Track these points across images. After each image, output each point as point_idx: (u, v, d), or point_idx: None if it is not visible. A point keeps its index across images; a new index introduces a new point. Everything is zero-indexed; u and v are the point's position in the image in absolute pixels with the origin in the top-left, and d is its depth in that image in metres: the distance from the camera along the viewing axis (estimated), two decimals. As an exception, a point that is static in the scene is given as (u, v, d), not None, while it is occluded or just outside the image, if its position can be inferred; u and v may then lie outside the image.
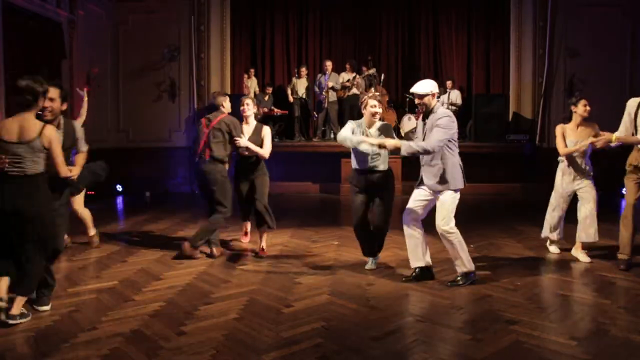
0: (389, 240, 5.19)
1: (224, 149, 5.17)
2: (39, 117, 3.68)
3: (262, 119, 5.51)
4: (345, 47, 12.28)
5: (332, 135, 10.97)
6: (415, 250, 4.49)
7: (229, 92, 9.98)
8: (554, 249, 5.51)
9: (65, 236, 5.92)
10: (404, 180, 9.09)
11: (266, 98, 11.07)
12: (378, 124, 4.65)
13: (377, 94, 4.82)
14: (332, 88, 10.80)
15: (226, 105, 5.31)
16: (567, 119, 5.21)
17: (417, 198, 4.46)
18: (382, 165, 4.63)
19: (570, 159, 5.18)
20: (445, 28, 12.02)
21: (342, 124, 10.50)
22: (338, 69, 11.15)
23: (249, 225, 5.89)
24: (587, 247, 5.29)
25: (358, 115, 5.09)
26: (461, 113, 10.49)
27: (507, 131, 10.43)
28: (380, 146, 4.24)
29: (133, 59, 10.63)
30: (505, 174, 10.03)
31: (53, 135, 3.52)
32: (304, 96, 11.17)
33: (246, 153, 5.23)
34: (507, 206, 8.91)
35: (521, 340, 3.31)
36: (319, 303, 4.00)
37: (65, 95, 3.84)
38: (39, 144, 3.47)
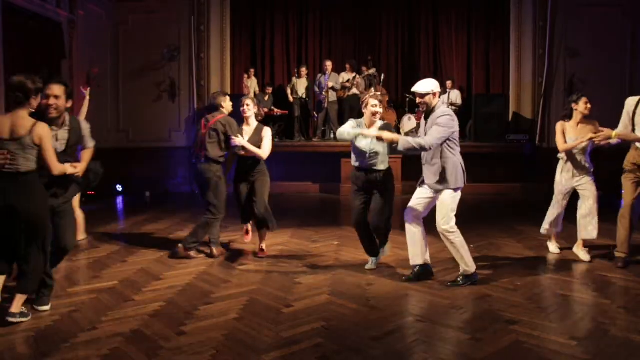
0: (389, 240, 5.18)
1: (219, 149, 5.18)
2: (42, 114, 3.67)
3: (262, 119, 5.45)
4: (345, 47, 12.28)
5: (332, 135, 10.97)
6: (415, 248, 4.51)
7: (229, 92, 9.98)
8: (554, 249, 5.51)
9: (84, 235, 5.97)
10: (404, 180, 9.10)
11: (266, 98, 11.07)
12: (378, 123, 4.65)
13: (379, 93, 4.82)
14: (332, 88, 10.80)
15: (225, 105, 5.30)
16: (568, 116, 5.21)
17: (419, 196, 4.49)
18: (381, 165, 4.63)
19: (570, 155, 5.18)
20: (445, 28, 12.02)
21: (342, 124, 10.45)
22: (338, 69, 11.16)
23: (249, 225, 5.83)
24: (588, 245, 5.30)
25: (358, 115, 5.08)
26: (461, 113, 10.47)
27: (507, 131, 10.43)
28: (378, 138, 4.27)
29: (133, 59, 10.63)
30: (505, 174, 10.04)
31: (44, 133, 3.50)
32: (304, 96, 11.18)
33: (242, 152, 5.18)
34: (507, 206, 8.91)
35: (521, 340, 3.31)
36: (319, 303, 4.00)
37: (71, 92, 3.80)
38: (29, 140, 3.47)
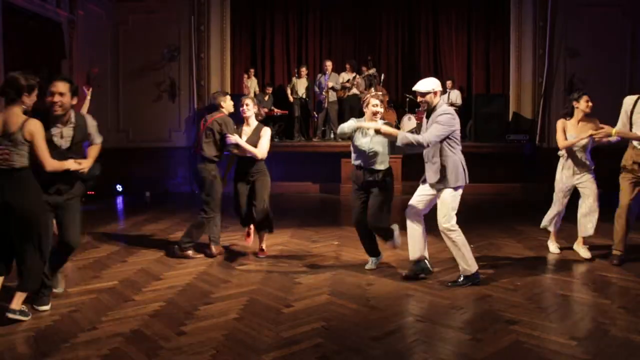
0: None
1: (214, 148, 5.19)
2: (47, 111, 3.66)
3: (262, 119, 5.43)
4: (345, 47, 12.28)
5: (332, 135, 10.97)
6: (415, 244, 4.55)
7: (229, 92, 9.98)
8: (554, 249, 5.51)
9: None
10: (404, 180, 9.10)
11: (266, 98, 11.07)
12: (379, 123, 4.64)
13: (380, 93, 4.81)
14: (332, 88, 10.80)
15: (225, 104, 5.30)
16: (569, 114, 5.21)
17: (420, 193, 4.52)
18: (381, 165, 4.63)
19: (571, 153, 5.18)
20: (445, 28, 12.03)
21: (341, 124, 10.48)
22: (338, 69, 11.16)
23: (251, 228, 5.63)
24: (589, 244, 5.31)
25: (359, 115, 5.09)
26: (461, 113, 10.43)
27: (507, 131, 10.43)
28: (377, 131, 4.30)
29: (133, 59, 10.63)
30: (505, 174, 10.03)
31: (34, 129, 3.49)
32: (304, 96, 11.18)
33: (235, 151, 5.16)
34: (507, 206, 8.91)
35: (521, 340, 3.31)
36: (319, 303, 4.00)
37: (76, 89, 3.79)
38: (20, 137, 3.46)
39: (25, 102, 3.57)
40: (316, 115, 11.19)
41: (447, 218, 4.28)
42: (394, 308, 3.91)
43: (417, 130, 4.44)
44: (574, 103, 5.16)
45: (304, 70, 11.17)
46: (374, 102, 4.58)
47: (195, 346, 3.24)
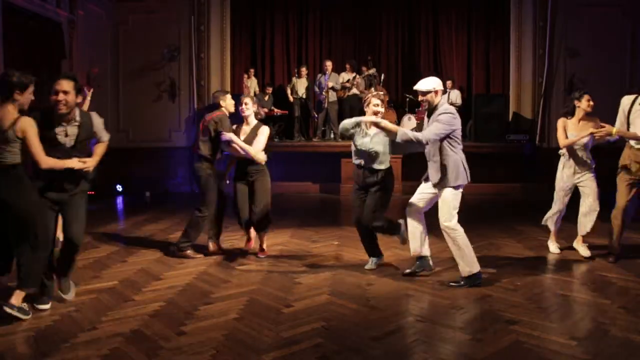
0: (389, 240, 5.18)
1: (210, 146, 5.19)
2: (51, 110, 3.65)
3: (262, 119, 5.42)
4: (345, 47, 12.28)
5: (332, 135, 10.98)
6: (415, 241, 4.59)
7: (229, 91, 9.98)
8: (554, 249, 5.51)
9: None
10: (404, 180, 9.10)
11: (266, 98, 11.07)
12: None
13: (381, 93, 4.83)
14: (332, 88, 10.80)
15: (225, 103, 5.29)
16: (570, 113, 5.22)
17: (421, 191, 4.56)
18: (382, 164, 4.63)
19: (572, 151, 5.18)
20: (445, 28, 12.02)
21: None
22: (338, 69, 11.15)
23: (252, 232, 5.53)
24: (588, 242, 5.33)
25: (359, 115, 5.08)
26: (461, 113, 10.41)
27: (507, 131, 10.44)
28: (376, 125, 4.33)
29: (133, 59, 10.63)
30: (505, 174, 10.04)
31: (26, 126, 3.48)
32: (304, 96, 11.17)
33: (232, 150, 5.14)
34: (507, 206, 8.92)
35: (521, 340, 3.31)
36: (319, 303, 4.00)
37: (80, 87, 3.78)
38: (12, 134, 3.46)
39: (18, 99, 3.55)
40: (316, 115, 11.19)
41: (447, 217, 4.29)
42: (394, 308, 3.91)
43: (417, 130, 4.45)
44: (576, 102, 5.17)
45: (304, 70, 11.17)
46: (375, 102, 4.59)
47: (195, 346, 3.24)
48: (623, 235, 5.12)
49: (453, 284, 4.39)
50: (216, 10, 10.74)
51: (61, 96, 3.64)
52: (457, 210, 4.31)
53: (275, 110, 11.10)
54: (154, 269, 4.92)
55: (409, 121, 10.62)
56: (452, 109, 4.33)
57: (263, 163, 5.14)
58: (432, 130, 4.21)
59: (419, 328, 3.54)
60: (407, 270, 4.67)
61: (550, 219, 5.48)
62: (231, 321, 3.64)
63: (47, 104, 3.72)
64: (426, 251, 4.64)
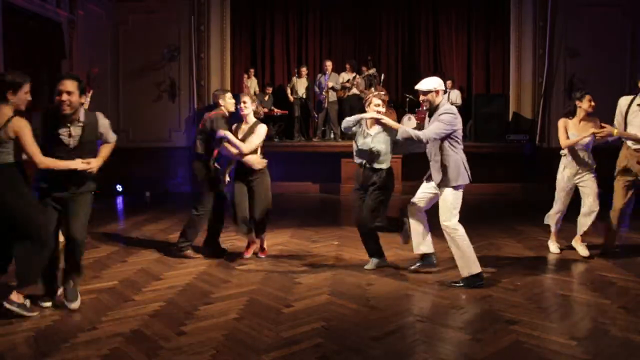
0: (389, 240, 5.18)
1: (206, 145, 5.20)
2: (55, 110, 3.65)
3: (263, 120, 5.41)
4: (345, 47, 12.27)
5: (332, 135, 10.98)
6: (418, 238, 4.66)
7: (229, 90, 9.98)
8: (554, 249, 5.51)
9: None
10: (404, 180, 9.09)
11: (266, 98, 11.07)
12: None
13: (382, 93, 4.84)
14: (332, 88, 10.79)
15: (224, 102, 5.26)
16: (571, 113, 5.23)
17: (422, 190, 4.59)
18: (383, 164, 4.64)
19: (573, 152, 5.19)
20: (445, 28, 12.02)
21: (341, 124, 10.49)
22: (338, 69, 11.15)
23: (252, 236, 5.35)
24: (587, 242, 5.34)
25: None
26: (461, 113, 10.43)
27: (507, 131, 10.43)
28: (377, 121, 4.38)
29: (133, 59, 10.63)
30: (505, 174, 10.03)
31: (19, 127, 3.47)
32: (304, 96, 11.17)
33: (222, 149, 5.12)
34: (507, 206, 8.92)
35: (521, 340, 3.31)
36: (319, 303, 4.00)
37: (84, 88, 3.75)
38: (3, 134, 3.46)
39: (12, 99, 3.53)
40: (316, 115, 11.19)
41: (447, 217, 4.29)
42: (394, 308, 3.91)
43: (417, 130, 4.47)
44: (577, 102, 5.18)
45: (304, 70, 11.17)
46: (376, 102, 4.61)
47: (195, 346, 3.24)
48: (618, 234, 5.21)
49: (453, 284, 4.39)
50: (216, 10, 10.74)
51: (65, 96, 3.62)
52: (457, 210, 4.32)
53: (275, 110, 11.10)
54: (154, 269, 4.92)
55: (409, 121, 10.62)
56: (454, 109, 4.33)
57: (257, 166, 5.04)
58: (432, 129, 4.22)
59: (419, 328, 3.54)
60: (412, 267, 4.76)
61: (551, 218, 5.48)
62: (231, 321, 3.64)
63: (46, 104, 3.72)
64: (429, 249, 4.69)
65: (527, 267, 4.99)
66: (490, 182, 9.71)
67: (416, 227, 4.64)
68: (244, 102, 5.14)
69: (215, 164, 5.30)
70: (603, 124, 4.97)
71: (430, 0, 12.06)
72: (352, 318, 3.71)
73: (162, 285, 4.45)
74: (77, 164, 3.69)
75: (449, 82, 11.00)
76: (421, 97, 4.39)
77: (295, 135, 11.14)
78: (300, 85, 11.13)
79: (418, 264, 4.75)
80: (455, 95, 11.02)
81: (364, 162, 4.68)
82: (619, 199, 5.11)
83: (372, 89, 10.32)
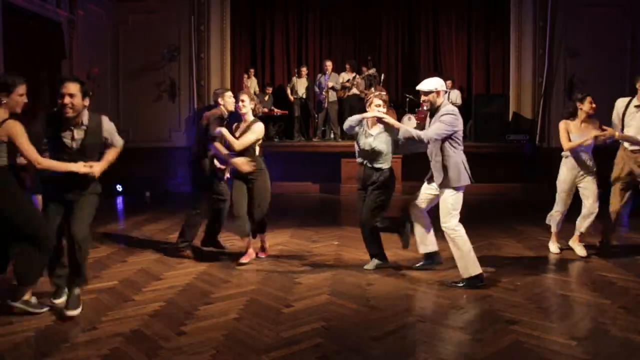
0: (389, 240, 5.17)
1: (202, 145, 5.20)
2: (59, 112, 3.63)
3: (263, 119, 5.38)
4: (345, 47, 12.27)
5: (332, 135, 10.98)
6: (421, 238, 4.73)
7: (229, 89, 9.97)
8: (554, 249, 5.51)
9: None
10: (404, 180, 9.09)
11: (266, 98, 11.07)
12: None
13: (383, 93, 4.83)
14: (332, 88, 10.80)
15: (223, 101, 5.25)
16: (572, 115, 5.23)
17: (423, 192, 4.63)
18: (383, 163, 4.65)
19: (576, 154, 5.19)
20: (445, 28, 12.02)
21: (342, 124, 10.47)
22: (338, 69, 11.15)
23: (250, 240, 5.23)
24: (585, 242, 5.36)
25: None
26: (461, 113, 10.41)
27: (507, 131, 10.43)
28: (379, 120, 4.42)
29: (133, 59, 10.63)
30: (505, 174, 10.03)
31: (13, 129, 3.45)
32: (304, 96, 11.17)
33: (213, 149, 5.09)
34: (507, 206, 8.91)
35: (521, 340, 3.31)
36: (319, 303, 4.00)
37: (87, 90, 3.70)
38: None
39: (5, 101, 3.50)
40: (316, 115, 11.18)
41: (447, 218, 4.30)
42: (394, 308, 3.91)
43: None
44: (578, 104, 5.17)
45: (304, 70, 11.17)
46: (377, 103, 4.61)
47: (195, 346, 3.24)
48: (617, 233, 5.30)
49: (453, 284, 4.39)
50: (216, 10, 10.74)
51: (67, 99, 3.59)
52: (457, 212, 4.33)
53: (275, 110, 11.10)
54: (154, 269, 4.92)
55: (409, 121, 10.61)
56: (455, 110, 4.34)
57: (244, 168, 4.88)
58: (434, 130, 4.23)
59: (419, 328, 3.54)
60: (417, 265, 4.83)
61: (553, 219, 5.48)
62: (231, 321, 3.64)
63: (47, 103, 3.72)
64: (434, 247, 4.76)
65: (527, 267, 4.99)
66: (490, 182, 9.71)
67: (419, 228, 4.70)
68: (242, 101, 5.04)
69: (217, 164, 5.28)
70: (604, 127, 5.02)
71: (430, 0, 12.05)
72: (352, 318, 3.71)
73: (162, 285, 4.46)
74: (78, 167, 3.66)
75: (449, 82, 10.99)
76: (422, 98, 4.40)
77: (295, 135, 11.14)
78: (300, 85, 11.13)
79: (422, 263, 4.81)
80: (455, 95, 11.02)
81: (365, 161, 4.70)
82: (616, 201, 5.18)
83: (372, 89, 10.32)
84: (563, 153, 5.30)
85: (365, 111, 4.72)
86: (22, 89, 3.57)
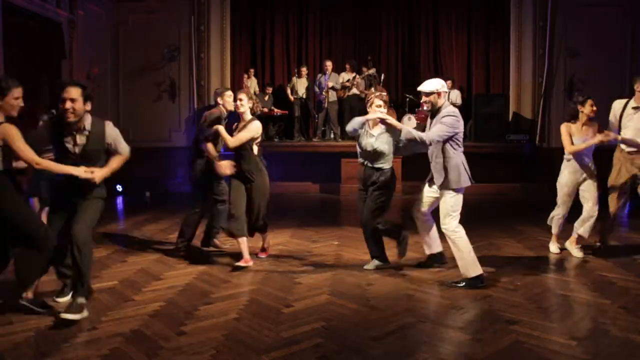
0: (389, 240, 5.17)
1: (199, 144, 5.22)
2: (60, 117, 3.62)
3: (262, 119, 5.39)
4: (345, 47, 12.27)
5: (332, 135, 10.98)
6: (425, 239, 4.80)
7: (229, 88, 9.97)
8: (554, 249, 5.51)
9: None
10: (404, 180, 9.08)
11: (266, 98, 11.07)
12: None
13: (384, 93, 4.83)
14: (332, 88, 10.80)
15: (222, 100, 5.26)
16: (573, 117, 5.22)
17: (425, 195, 4.64)
18: (384, 164, 4.65)
19: (578, 157, 5.18)
20: (445, 28, 12.02)
21: (342, 124, 10.51)
22: (338, 69, 11.15)
23: (246, 242, 5.10)
24: (582, 243, 5.37)
25: (359, 115, 5.08)
26: (461, 113, 10.40)
27: (507, 131, 10.44)
28: (382, 121, 4.45)
29: (133, 59, 10.64)
30: (505, 174, 10.03)
31: (6, 133, 3.43)
32: (304, 96, 11.17)
33: (202, 144, 5.15)
34: (507, 206, 8.91)
35: (521, 340, 3.31)
36: (319, 303, 4.00)
37: (88, 94, 3.66)
38: None
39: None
40: (316, 115, 11.18)
41: (447, 219, 4.31)
42: (394, 308, 3.91)
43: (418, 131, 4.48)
44: (579, 107, 5.16)
45: (304, 70, 11.17)
46: (378, 103, 4.61)
47: (195, 346, 3.24)
48: (615, 232, 5.36)
49: (454, 284, 4.39)
50: (216, 10, 10.74)
51: (68, 104, 3.56)
52: (457, 213, 4.33)
53: (275, 110, 11.10)
54: (154, 269, 4.92)
55: (409, 121, 10.61)
56: (456, 112, 4.34)
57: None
58: (435, 131, 4.24)
59: (419, 328, 3.54)
60: (422, 264, 4.88)
61: (554, 221, 5.48)
62: (231, 321, 3.64)
63: (47, 103, 3.72)
64: (437, 248, 4.82)
65: (527, 267, 4.99)
66: (490, 182, 9.70)
67: (423, 230, 4.76)
68: (240, 100, 4.97)
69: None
70: (607, 132, 5.05)
71: (430, 0, 12.05)
72: (352, 318, 3.71)
73: (162, 285, 4.46)
74: (79, 171, 3.62)
75: (449, 82, 10.97)
76: (423, 99, 4.40)
77: (295, 135, 11.14)
78: (300, 85, 11.13)
79: (427, 262, 4.86)
80: (455, 95, 11.01)
81: (365, 161, 4.71)
82: (613, 203, 5.22)
83: (372, 89, 10.32)
84: (565, 156, 5.29)
85: (365, 111, 4.72)
86: (17, 92, 3.53)
